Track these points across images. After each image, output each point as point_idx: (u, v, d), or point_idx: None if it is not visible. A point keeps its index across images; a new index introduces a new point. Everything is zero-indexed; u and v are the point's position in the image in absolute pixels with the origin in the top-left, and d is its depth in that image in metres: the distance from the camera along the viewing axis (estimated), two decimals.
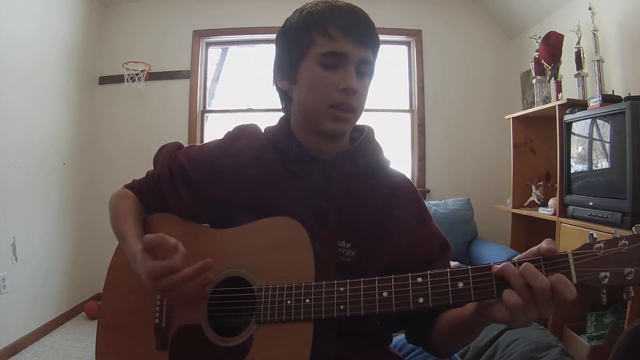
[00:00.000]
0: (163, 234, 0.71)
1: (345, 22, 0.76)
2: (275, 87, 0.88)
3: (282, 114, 0.92)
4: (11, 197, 2.37)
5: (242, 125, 0.92)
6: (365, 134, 0.90)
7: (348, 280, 0.67)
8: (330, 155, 0.85)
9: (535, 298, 0.56)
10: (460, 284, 0.61)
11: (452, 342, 0.78)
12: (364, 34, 0.77)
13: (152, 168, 0.94)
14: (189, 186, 0.87)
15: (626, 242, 0.56)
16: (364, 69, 0.80)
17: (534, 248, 0.60)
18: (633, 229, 0.57)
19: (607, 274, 0.56)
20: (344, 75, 0.77)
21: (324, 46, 0.77)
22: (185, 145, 0.95)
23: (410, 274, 0.65)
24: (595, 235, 0.59)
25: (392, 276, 0.65)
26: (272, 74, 0.87)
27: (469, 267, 0.62)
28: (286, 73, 0.83)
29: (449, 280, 0.62)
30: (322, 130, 0.81)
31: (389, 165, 0.91)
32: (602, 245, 0.57)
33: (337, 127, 0.80)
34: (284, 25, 0.84)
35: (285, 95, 0.87)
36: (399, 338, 1.07)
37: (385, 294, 0.65)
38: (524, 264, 0.57)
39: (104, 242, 1.92)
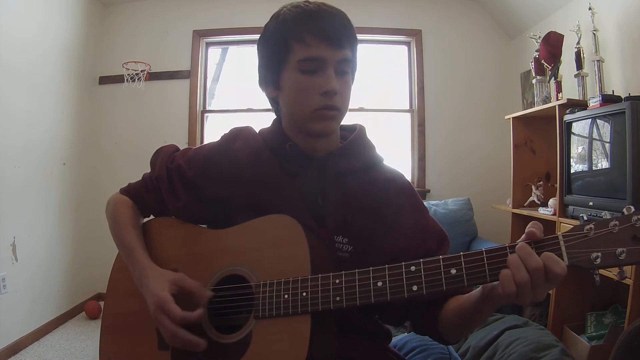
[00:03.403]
0: (201, 285, 0.76)
1: (319, 26, 0.77)
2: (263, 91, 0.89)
3: None
4: (11, 197, 2.37)
5: (237, 127, 0.93)
6: (357, 132, 0.91)
7: (343, 272, 0.68)
8: (323, 153, 0.86)
9: (532, 278, 0.57)
10: (453, 270, 0.63)
11: (458, 328, 0.79)
12: (338, 35, 0.78)
13: (149, 170, 0.95)
14: (187, 187, 0.88)
15: (617, 222, 0.56)
16: (344, 68, 0.81)
17: (523, 236, 0.62)
18: (624, 209, 0.57)
19: (599, 254, 0.56)
20: (323, 79, 0.78)
21: (300, 53, 0.78)
22: (182, 147, 0.96)
23: (403, 262, 0.66)
24: (586, 217, 0.60)
25: (386, 266, 0.67)
26: (257, 80, 0.89)
27: (461, 253, 0.63)
28: (270, 81, 0.85)
29: (441, 267, 0.64)
30: (310, 132, 0.83)
31: (383, 161, 0.92)
32: (593, 226, 0.57)
33: (325, 126, 0.81)
34: (262, 32, 0.85)
35: (273, 100, 0.89)
36: (398, 338, 1.07)
37: (379, 283, 0.66)
38: (520, 244, 0.60)
39: (104, 242, 1.91)
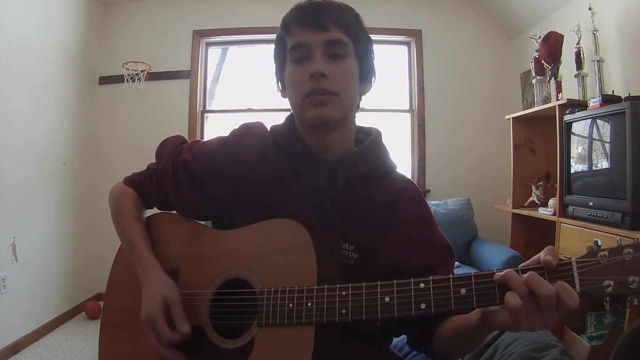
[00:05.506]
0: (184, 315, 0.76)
1: (302, 17, 0.80)
2: None
3: (284, 114, 0.92)
4: (11, 197, 2.37)
5: (247, 123, 0.91)
6: (373, 136, 0.90)
7: (350, 284, 0.67)
8: (335, 155, 0.85)
9: (540, 306, 0.55)
10: (463, 291, 0.60)
11: (454, 349, 0.77)
12: (321, 18, 0.78)
13: (153, 162, 0.94)
14: (192, 183, 0.86)
15: (631, 250, 0.55)
16: (335, 50, 0.79)
17: (536, 256, 0.59)
18: (639, 236, 0.56)
19: (611, 282, 0.55)
20: (311, 64, 0.78)
21: (289, 44, 0.81)
22: (188, 139, 0.95)
23: (412, 279, 0.64)
24: (600, 243, 0.58)
25: (395, 281, 0.65)
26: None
27: (472, 273, 0.61)
28: (280, 82, 0.87)
29: (451, 286, 0.61)
30: (308, 122, 0.81)
31: (395, 169, 0.91)
32: (607, 253, 0.56)
33: (318, 113, 0.78)
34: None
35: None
36: (399, 338, 1.07)
37: (387, 299, 0.64)
38: (529, 272, 0.56)
39: (104, 242, 1.92)
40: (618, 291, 0.55)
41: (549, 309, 0.55)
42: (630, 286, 0.54)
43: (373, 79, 0.88)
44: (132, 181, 0.93)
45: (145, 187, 0.91)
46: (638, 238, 0.56)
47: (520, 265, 0.60)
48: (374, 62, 0.87)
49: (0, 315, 2.27)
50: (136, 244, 0.83)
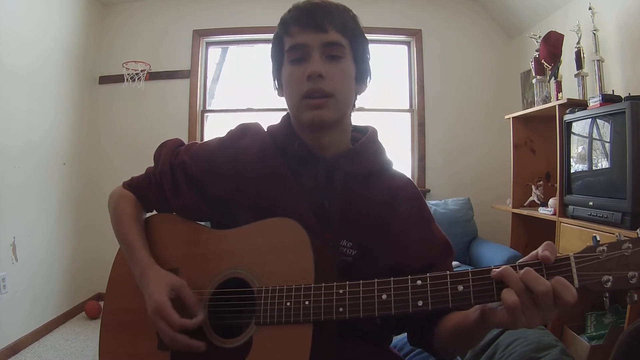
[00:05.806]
0: (194, 296, 0.76)
1: (301, 17, 0.80)
2: None
3: (284, 113, 0.93)
4: (11, 197, 2.37)
5: (244, 123, 0.92)
6: (368, 134, 0.90)
7: (347, 282, 0.67)
8: (332, 153, 0.85)
9: (538, 302, 0.55)
10: (460, 287, 0.60)
11: (454, 347, 0.77)
12: (320, 20, 0.79)
13: (152, 165, 0.94)
14: (190, 184, 0.87)
15: (630, 245, 0.54)
16: (334, 52, 0.80)
17: (534, 252, 0.59)
18: (638, 231, 0.55)
19: (610, 277, 0.54)
20: (309, 64, 0.79)
21: (287, 44, 0.81)
22: (186, 142, 0.96)
23: (410, 276, 0.64)
24: (598, 238, 0.58)
25: (392, 278, 0.65)
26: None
27: (469, 270, 0.61)
28: (277, 81, 0.88)
29: (448, 283, 0.61)
30: (305, 123, 0.82)
31: (392, 166, 0.91)
32: (605, 248, 0.56)
33: (315, 115, 0.79)
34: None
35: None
36: (399, 338, 1.07)
37: (384, 296, 0.64)
38: (525, 268, 0.56)
39: (104, 242, 1.92)
40: (617, 286, 0.54)
41: (547, 304, 0.55)
42: (630, 281, 0.54)
43: (369, 79, 0.89)
44: (131, 185, 0.93)
45: (144, 190, 0.91)
46: (638, 233, 0.55)
47: (518, 261, 0.59)
48: (370, 62, 0.88)
49: (0, 315, 2.27)
50: (134, 246, 0.83)
